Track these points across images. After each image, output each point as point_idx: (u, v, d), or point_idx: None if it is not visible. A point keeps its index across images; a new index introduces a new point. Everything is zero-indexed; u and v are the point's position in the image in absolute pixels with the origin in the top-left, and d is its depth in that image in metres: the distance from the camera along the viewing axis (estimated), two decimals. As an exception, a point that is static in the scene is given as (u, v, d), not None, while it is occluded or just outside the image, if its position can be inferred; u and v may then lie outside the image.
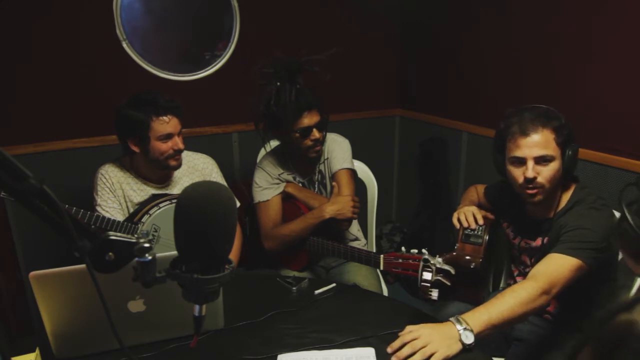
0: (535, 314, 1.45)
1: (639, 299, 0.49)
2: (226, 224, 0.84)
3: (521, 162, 1.48)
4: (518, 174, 1.49)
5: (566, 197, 1.55)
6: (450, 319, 1.28)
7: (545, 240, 1.57)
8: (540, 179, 1.46)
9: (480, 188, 1.90)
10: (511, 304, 1.31)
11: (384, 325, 1.39)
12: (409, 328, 1.29)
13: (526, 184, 1.48)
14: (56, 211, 0.74)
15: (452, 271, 1.33)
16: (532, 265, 1.62)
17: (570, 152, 1.48)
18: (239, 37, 2.60)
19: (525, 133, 1.45)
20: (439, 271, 1.33)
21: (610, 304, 0.50)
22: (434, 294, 1.33)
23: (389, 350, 1.26)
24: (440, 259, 1.34)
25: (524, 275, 1.71)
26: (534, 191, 1.49)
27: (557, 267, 1.39)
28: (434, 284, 1.33)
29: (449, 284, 1.34)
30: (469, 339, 1.24)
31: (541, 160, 1.46)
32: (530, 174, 1.46)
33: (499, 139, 1.55)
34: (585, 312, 1.55)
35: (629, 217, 0.93)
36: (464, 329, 1.25)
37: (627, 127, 1.90)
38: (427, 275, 1.32)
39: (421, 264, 1.34)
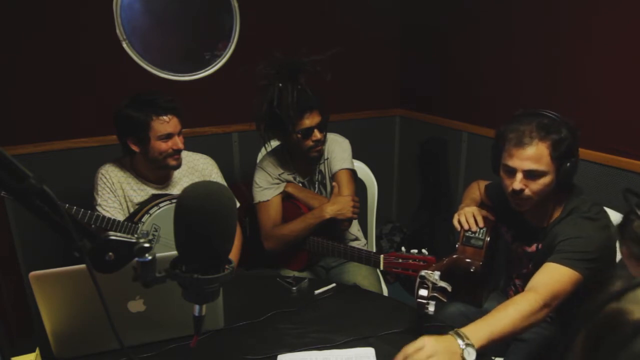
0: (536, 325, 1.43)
1: (627, 288, 0.50)
2: (226, 224, 0.84)
3: (512, 172, 1.46)
4: (508, 183, 1.48)
5: (561, 206, 1.54)
6: (450, 332, 1.25)
7: (540, 246, 1.57)
8: (527, 192, 1.45)
9: (483, 184, 1.89)
10: (513, 317, 1.29)
11: (384, 325, 1.39)
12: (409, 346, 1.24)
13: (513, 194, 1.48)
14: (56, 211, 0.74)
15: (449, 288, 1.33)
16: (530, 269, 1.62)
17: (566, 166, 1.45)
18: (239, 37, 2.60)
19: (519, 144, 1.43)
20: (435, 288, 1.33)
21: (600, 293, 0.51)
22: (431, 308, 1.32)
23: None
24: (437, 276, 1.34)
25: (521, 277, 1.71)
26: (520, 202, 1.49)
27: (557, 278, 1.38)
28: (430, 299, 1.33)
29: (444, 300, 1.34)
30: (471, 355, 1.21)
31: (531, 174, 1.44)
32: (517, 186, 1.44)
33: (497, 140, 1.54)
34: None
35: None
36: (466, 344, 1.22)
37: (628, 127, 1.89)
38: (423, 292, 1.32)
39: (418, 280, 1.34)
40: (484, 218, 1.67)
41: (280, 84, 1.85)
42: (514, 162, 1.45)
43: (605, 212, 1.51)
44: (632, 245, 1.03)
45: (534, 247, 1.60)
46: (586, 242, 1.40)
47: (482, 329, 1.26)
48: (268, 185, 2.03)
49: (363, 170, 2.35)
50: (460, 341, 1.22)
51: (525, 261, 1.66)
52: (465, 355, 1.21)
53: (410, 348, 1.22)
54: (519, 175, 1.44)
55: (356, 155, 2.14)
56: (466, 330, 1.26)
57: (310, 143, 1.93)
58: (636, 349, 0.44)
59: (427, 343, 1.20)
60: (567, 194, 1.55)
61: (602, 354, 0.48)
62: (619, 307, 0.49)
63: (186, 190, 0.85)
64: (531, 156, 1.42)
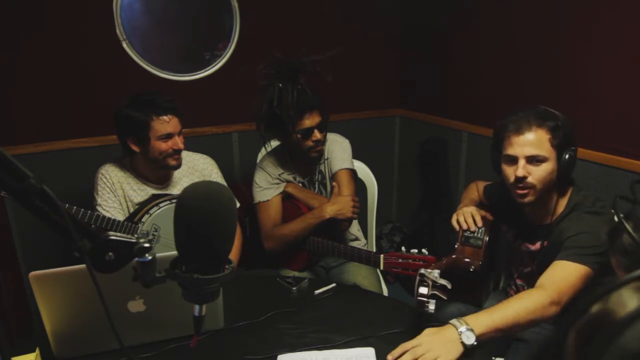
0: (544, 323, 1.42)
1: (611, 289, 0.52)
2: (226, 224, 0.84)
3: (513, 160, 1.47)
4: (510, 172, 1.48)
5: (564, 202, 1.54)
6: (451, 321, 1.27)
7: (545, 243, 1.56)
8: (530, 179, 1.45)
9: (481, 185, 1.89)
10: (516, 310, 1.29)
11: (384, 325, 1.39)
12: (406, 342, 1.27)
13: (516, 183, 1.47)
14: (56, 211, 0.74)
15: (449, 286, 1.33)
16: (533, 268, 1.62)
17: (567, 156, 1.46)
18: (239, 37, 2.60)
19: (519, 131, 1.44)
20: (435, 286, 1.33)
21: (588, 294, 0.54)
22: (431, 306, 1.33)
23: (390, 358, 1.24)
24: (436, 274, 1.34)
25: (523, 277, 1.70)
26: (524, 191, 1.48)
27: (565, 275, 1.37)
28: (430, 297, 1.33)
29: (445, 298, 1.34)
30: (470, 339, 1.22)
31: (533, 160, 1.44)
32: (520, 172, 1.44)
33: (496, 136, 1.55)
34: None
35: (633, 234, 0.91)
36: (465, 329, 1.23)
37: (629, 127, 1.89)
38: (424, 290, 1.32)
39: (417, 278, 1.34)
40: (483, 218, 1.67)
41: (280, 84, 1.85)
42: (514, 150, 1.45)
43: (608, 206, 1.51)
44: (620, 258, 1.03)
45: (537, 245, 1.60)
46: (593, 237, 1.39)
47: (484, 319, 1.28)
48: (268, 185, 2.03)
49: (363, 170, 2.35)
50: (459, 326, 1.24)
51: (528, 260, 1.66)
52: (464, 338, 1.22)
53: (408, 344, 1.24)
54: (521, 162, 1.45)
55: (356, 155, 2.14)
56: (467, 318, 1.27)
57: (310, 143, 1.93)
58: (621, 344, 0.47)
59: (423, 340, 1.23)
60: (568, 189, 1.55)
61: (592, 351, 0.50)
62: (604, 307, 0.51)
63: (186, 190, 0.85)
64: (531, 141, 1.43)
